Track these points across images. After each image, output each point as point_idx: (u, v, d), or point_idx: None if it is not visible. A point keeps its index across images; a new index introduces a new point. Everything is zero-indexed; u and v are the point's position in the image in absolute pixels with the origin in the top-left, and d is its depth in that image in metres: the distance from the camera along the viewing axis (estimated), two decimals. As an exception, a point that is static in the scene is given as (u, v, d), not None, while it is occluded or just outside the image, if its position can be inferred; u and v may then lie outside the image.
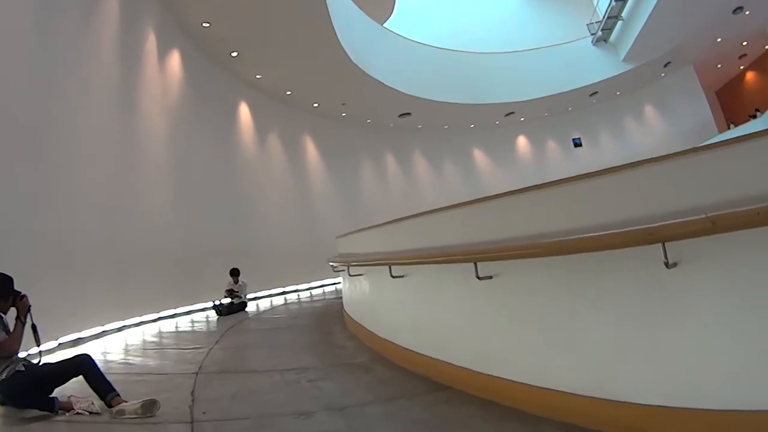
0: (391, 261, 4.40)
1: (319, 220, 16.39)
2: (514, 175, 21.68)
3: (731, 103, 23.27)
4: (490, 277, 3.26)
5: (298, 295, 13.45)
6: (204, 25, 11.23)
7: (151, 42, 10.03)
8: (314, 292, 14.18)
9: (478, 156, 22.73)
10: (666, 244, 2.22)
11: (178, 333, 7.69)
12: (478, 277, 3.24)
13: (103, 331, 7.55)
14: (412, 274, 4.29)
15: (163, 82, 10.56)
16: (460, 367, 3.57)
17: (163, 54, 10.51)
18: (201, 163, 11.78)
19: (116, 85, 8.89)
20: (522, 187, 3.40)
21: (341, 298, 10.31)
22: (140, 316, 9.00)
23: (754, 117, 18.01)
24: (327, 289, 14.59)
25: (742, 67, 22.84)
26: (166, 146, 10.48)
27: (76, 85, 7.63)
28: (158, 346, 6.27)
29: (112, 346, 6.46)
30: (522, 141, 23.20)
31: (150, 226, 9.46)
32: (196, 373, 4.35)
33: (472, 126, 22.30)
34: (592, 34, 20.01)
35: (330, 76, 14.82)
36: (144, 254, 9.08)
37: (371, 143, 20.02)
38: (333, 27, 12.46)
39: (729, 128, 19.00)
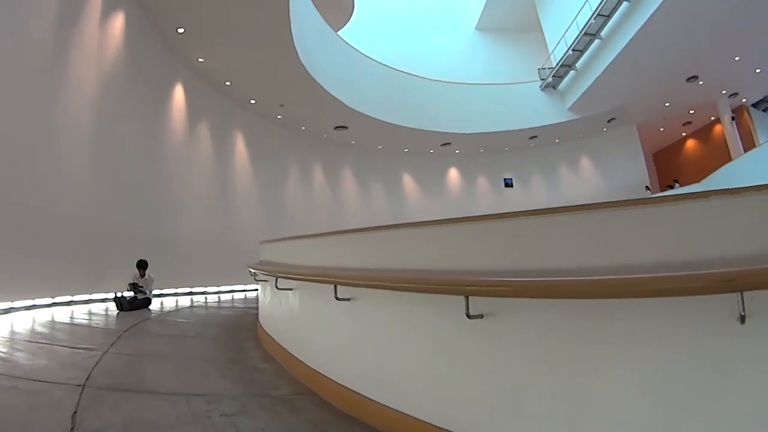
0: (338, 280, 3.76)
1: (239, 222, 15.61)
2: (441, 206, 21.89)
3: (667, 167, 24.58)
4: (481, 316, 2.58)
5: (206, 299, 12.50)
6: None
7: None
8: (223, 297, 13.25)
9: (408, 182, 22.72)
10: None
11: (72, 326, 6.71)
12: (469, 316, 2.55)
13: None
14: (363, 298, 3.72)
15: (101, 43, 9.58)
16: (426, 422, 2.91)
17: (107, 13, 9.56)
18: (126, 136, 10.80)
19: (51, 30, 7.91)
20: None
21: (254, 308, 9.65)
22: (32, 298, 7.93)
23: (671, 188, 18.97)
24: (237, 296, 13.76)
25: (684, 134, 24.10)
26: (92, 110, 9.47)
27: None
28: (45, 340, 5.33)
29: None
30: (453, 173, 23.43)
31: (59, 195, 8.52)
32: (83, 386, 3.57)
33: (406, 150, 22.35)
34: (542, 79, 20.57)
35: (274, 72, 14.25)
36: (47, 226, 8.09)
37: (302, 151, 19.54)
38: (289, 20, 11.92)
39: (673, 186, 19.92)
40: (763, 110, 22.10)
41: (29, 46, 7.72)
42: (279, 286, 4.96)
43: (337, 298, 3.77)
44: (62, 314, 7.76)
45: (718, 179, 14.21)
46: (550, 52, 20.53)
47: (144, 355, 5.04)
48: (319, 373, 4.12)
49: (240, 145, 16.33)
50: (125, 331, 6.21)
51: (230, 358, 5.25)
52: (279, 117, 17.57)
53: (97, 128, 9.60)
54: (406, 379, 3.20)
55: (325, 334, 4.36)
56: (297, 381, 4.36)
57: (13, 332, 5.71)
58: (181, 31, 11.77)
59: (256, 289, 15.75)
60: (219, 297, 13.22)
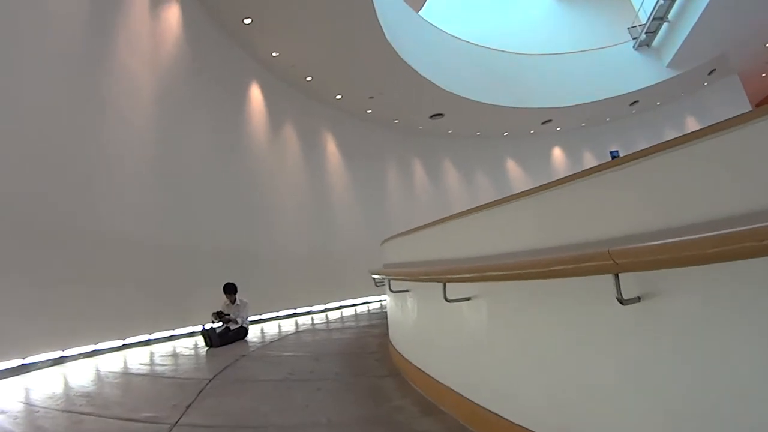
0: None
1: (338, 230, 14.08)
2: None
3: None
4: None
5: (312, 319, 10.93)
6: None
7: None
8: (331, 315, 11.65)
9: (512, 167, 20.55)
10: None
11: (134, 376, 5.21)
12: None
13: (24, 365, 5.28)
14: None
15: (154, 36, 8.23)
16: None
17: (156, 3, 8.20)
18: (197, 143, 9.38)
19: (84, 20, 6.59)
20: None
21: (374, 326, 7.88)
22: (94, 342, 6.64)
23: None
24: (346, 312, 12.15)
25: None
26: (151, 113, 8.10)
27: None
28: (85, 404, 3.81)
29: (21, 397, 4.08)
30: (557, 152, 21.04)
31: (117, 215, 7.13)
32: None
33: (506, 134, 20.28)
34: (634, 38, 18.09)
35: (359, 60, 12.63)
36: (106, 252, 6.75)
37: (398, 147, 17.85)
38: None
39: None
40: None
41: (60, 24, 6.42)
42: (449, 297, 3.15)
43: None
44: (132, 358, 6.35)
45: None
46: (636, 7, 18.07)
47: (237, 426, 3.32)
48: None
49: (331, 146, 14.81)
50: (211, 380, 4.58)
51: (368, 415, 3.43)
52: (369, 111, 15.97)
53: (160, 135, 8.25)
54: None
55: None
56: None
57: (47, 396, 4.23)
58: (247, 21, 10.22)
59: (367, 302, 14.78)
60: (326, 316, 11.62)
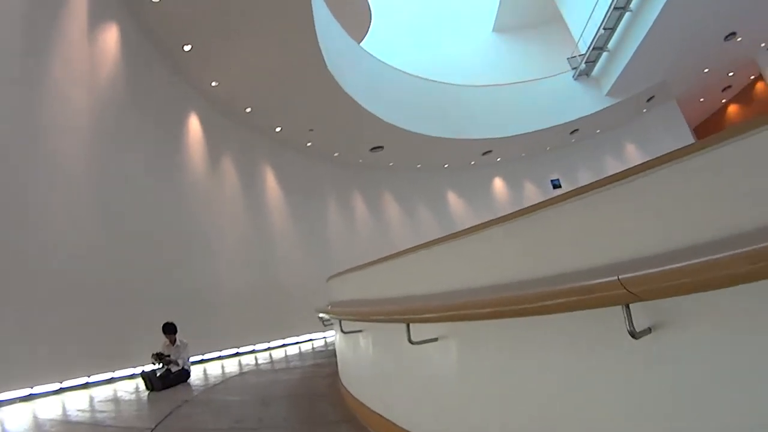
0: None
1: (280, 265, 13.66)
2: (491, 218, 19.77)
3: None
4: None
5: (256, 359, 10.42)
6: None
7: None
8: (275, 354, 11.15)
9: (453, 199, 20.73)
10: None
11: (76, 424, 4.68)
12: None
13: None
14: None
15: (92, 57, 7.74)
16: None
17: (94, 22, 7.75)
18: (134, 174, 8.84)
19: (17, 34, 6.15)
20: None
21: (320, 365, 7.58)
22: (29, 386, 6.05)
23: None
24: (290, 350, 11.70)
25: (724, 101, 22.26)
26: (86, 140, 7.58)
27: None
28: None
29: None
30: (498, 183, 21.39)
31: (51, 247, 6.61)
32: None
33: (447, 166, 20.52)
34: (574, 68, 18.74)
35: (300, 91, 12.48)
36: (39, 289, 6.20)
37: (338, 180, 17.70)
38: (314, 29, 10.23)
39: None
40: None
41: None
42: (413, 339, 2.89)
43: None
44: (70, 403, 5.76)
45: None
46: (576, 38, 18.78)
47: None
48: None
49: (270, 180, 14.45)
50: (153, 430, 4.17)
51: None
52: (309, 144, 15.76)
53: (94, 165, 7.72)
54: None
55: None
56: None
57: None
58: (187, 48, 9.90)
59: (311, 340, 14.26)
60: (270, 355, 11.11)
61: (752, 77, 20.04)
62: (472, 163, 20.65)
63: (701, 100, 21.06)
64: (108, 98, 8.18)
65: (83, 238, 7.28)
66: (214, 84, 11.26)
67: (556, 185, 20.79)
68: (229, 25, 9.69)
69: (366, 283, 4.46)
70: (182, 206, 10.50)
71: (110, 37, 8.11)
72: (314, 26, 10.39)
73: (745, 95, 21.14)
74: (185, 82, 10.90)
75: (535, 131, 18.68)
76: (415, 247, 3.37)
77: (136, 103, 9.03)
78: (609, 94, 17.92)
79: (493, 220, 2.63)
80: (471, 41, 24.04)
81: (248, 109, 12.79)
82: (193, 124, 11.22)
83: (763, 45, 17.55)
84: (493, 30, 23.94)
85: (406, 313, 2.90)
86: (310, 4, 9.91)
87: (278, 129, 14.31)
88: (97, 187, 7.76)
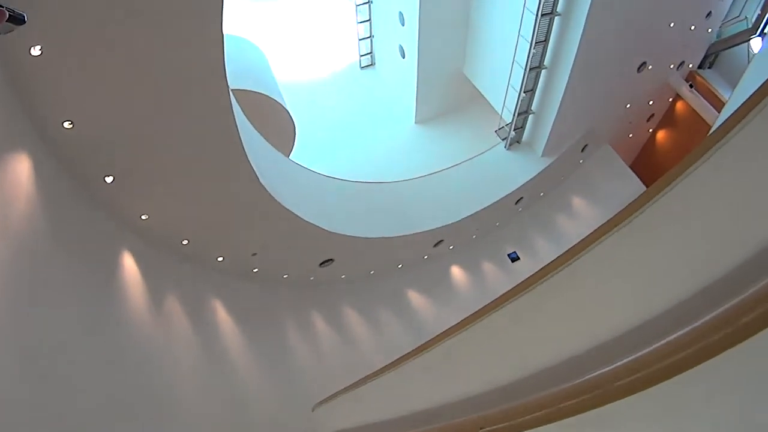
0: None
1: (249, 405, 12.17)
2: (456, 308, 19.13)
3: (649, 171, 23.27)
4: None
5: None
6: (65, 125, 7.56)
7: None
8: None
9: (414, 297, 19.92)
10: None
11: None
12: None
13: None
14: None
15: (2, 193, 6.74)
16: None
17: (3, 154, 6.86)
18: (62, 327, 7.28)
19: None
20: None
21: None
22: None
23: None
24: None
25: (651, 130, 23.79)
26: (2, 290, 6.30)
27: None
28: None
29: None
30: (456, 271, 20.89)
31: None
32: None
33: (401, 266, 19.88)
34: (504, 139, 19.27)
35: (237, 214, 11.78)
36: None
37: (293, 303, 16.63)
38: (243, 147, 9.89)
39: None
40: (708, 67, 22.59)
41: None
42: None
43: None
44: None
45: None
46: (499, 109, 19.44)
47: None
48: None
49: (222, 314, 13.14)
50: None
51: None
52: (255, 270, 14.83)
53: (12, 318, 6.31)
54: None
55: None
56: None
57: None
58: (109, 180, 8.91)
59: None
60: None
61: (670, 99, 21.72)
62: (426, 257, 20.18)
63: (630, 135, 22.36)
64: (22, 243, 7.09)
65: (10, 403, 5.93)
66: (144, 217, 10.32)
67: (514, 258, 20.58)
68: (151, 152, 9.10)
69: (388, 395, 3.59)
70: (127, 356, 9.02)
71: (21, 169, 7.14)
72: (243, 146, 9.98)
73: (668, 119, 22.84)
74: (112, 218, 9.83)
75: (479, 211, 18.55)
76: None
77: (57, 247, 7.83)
78: (544, 154, 18.41)
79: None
80: (396, 137, 24.41)
81: (185, 242, 11.86)
82: (128, 264, 10.07)
83: (672, 66, 19.06)
84: (415, 122, 24.47)
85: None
86: (236, 126, 9.57)
87: (220, 259, 13.38)
88: (21, 343, 6.42)
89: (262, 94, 14.91)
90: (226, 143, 9.74)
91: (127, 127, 8.34)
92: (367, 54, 24.95)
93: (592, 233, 1.44)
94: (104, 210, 9.54)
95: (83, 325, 8.05)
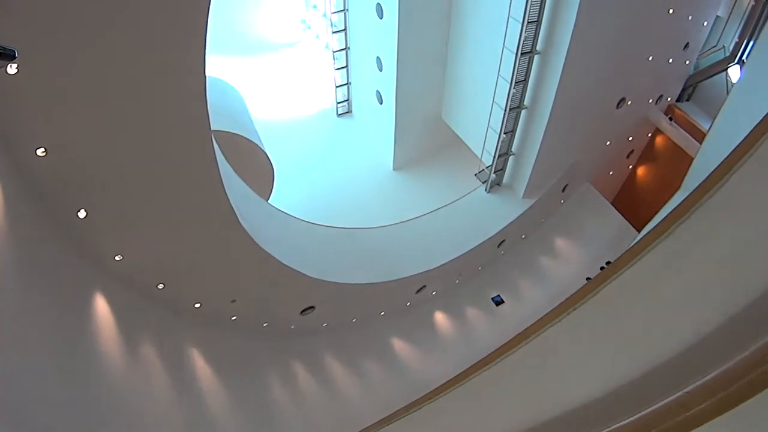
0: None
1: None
2: (443, 356, 18.74)
3: (631, 207, 23.28)
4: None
5: None
6: (39, 152, 7.08)
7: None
8: None
9: (399, 345, 19.36)
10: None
11: None
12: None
13: None
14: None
15: None
16: None
17: None
18: (32, 371, 6.77)
19: None
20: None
21: None
22: None
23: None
24: None
25: (631, 166, 23.80)
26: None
27: None
28: None
29: None
30: (440, 317, 20.45)
31: None
32: None
33: (383, 314, 19.37)
34: (484, 182, 19.15)
35: (217, 257, 11.35)
36: None
37: (273, 353, 15.97)
38: (223, 187, 9.62)
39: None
40: (687, 99, 22.87)
41: None
42: None
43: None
44: None
45: (697, 174, 12.19)
46: (478, 153, 19.37)
47: None
48: None
49: (200, 363, 12.44)
50: None
51: None
52: (234, 318, 14.23)
53: None
54: None
55: None
56: None
57: None
58: (82, 215, 8.33)
59: None
60: None
61: (649, 134, 21.88)
62: (408, 304, 19.71)
63: (611, 173, 22.46)
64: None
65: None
66: (118, 258, 9.83)
67: (498, 302, 20.24)
68: (127, 187, 8.72)
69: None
70: (99, 409, 8.36)
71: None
72: (224, 188, 9.73)
73: (648, 154, 23.01)
74: (84, 257, 9.28)
75: (461, 255, 18.22)
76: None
77: (28, 276, 7.32)
78: (525, 196, 18.30)
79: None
80: (374, 183, 24.18)
81: (160, 285, 11.29)
82: (101, 308, 9.42)
83: (650, 101, 19.39)
84: (393, 169, 24.38)
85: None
86: (218, 167, 9.36)
87: (197, 305, 12.78)
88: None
89: (241, 136, 14.72)
90: (207, 184, 9.48)
91: (104, 159, 7.99)
92: (344, 101, 25.03)
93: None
94: (77, 248, 9.00)
95: (51, 372, 7.42)
